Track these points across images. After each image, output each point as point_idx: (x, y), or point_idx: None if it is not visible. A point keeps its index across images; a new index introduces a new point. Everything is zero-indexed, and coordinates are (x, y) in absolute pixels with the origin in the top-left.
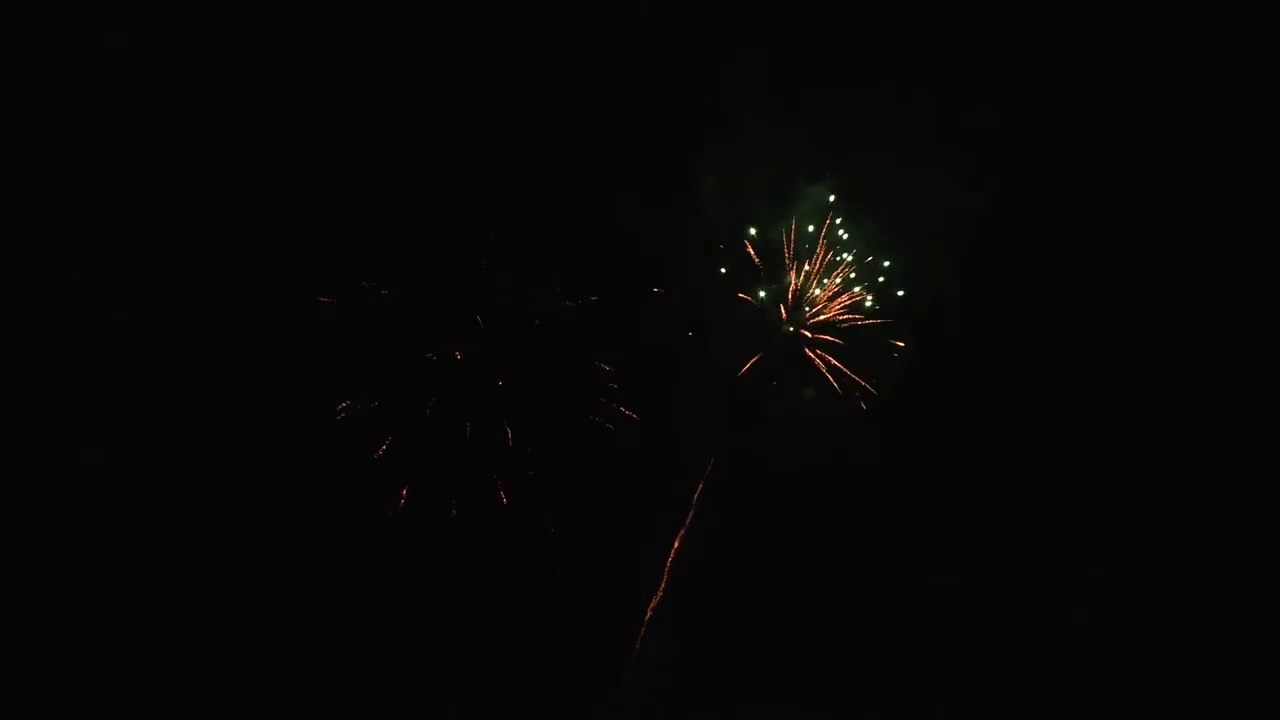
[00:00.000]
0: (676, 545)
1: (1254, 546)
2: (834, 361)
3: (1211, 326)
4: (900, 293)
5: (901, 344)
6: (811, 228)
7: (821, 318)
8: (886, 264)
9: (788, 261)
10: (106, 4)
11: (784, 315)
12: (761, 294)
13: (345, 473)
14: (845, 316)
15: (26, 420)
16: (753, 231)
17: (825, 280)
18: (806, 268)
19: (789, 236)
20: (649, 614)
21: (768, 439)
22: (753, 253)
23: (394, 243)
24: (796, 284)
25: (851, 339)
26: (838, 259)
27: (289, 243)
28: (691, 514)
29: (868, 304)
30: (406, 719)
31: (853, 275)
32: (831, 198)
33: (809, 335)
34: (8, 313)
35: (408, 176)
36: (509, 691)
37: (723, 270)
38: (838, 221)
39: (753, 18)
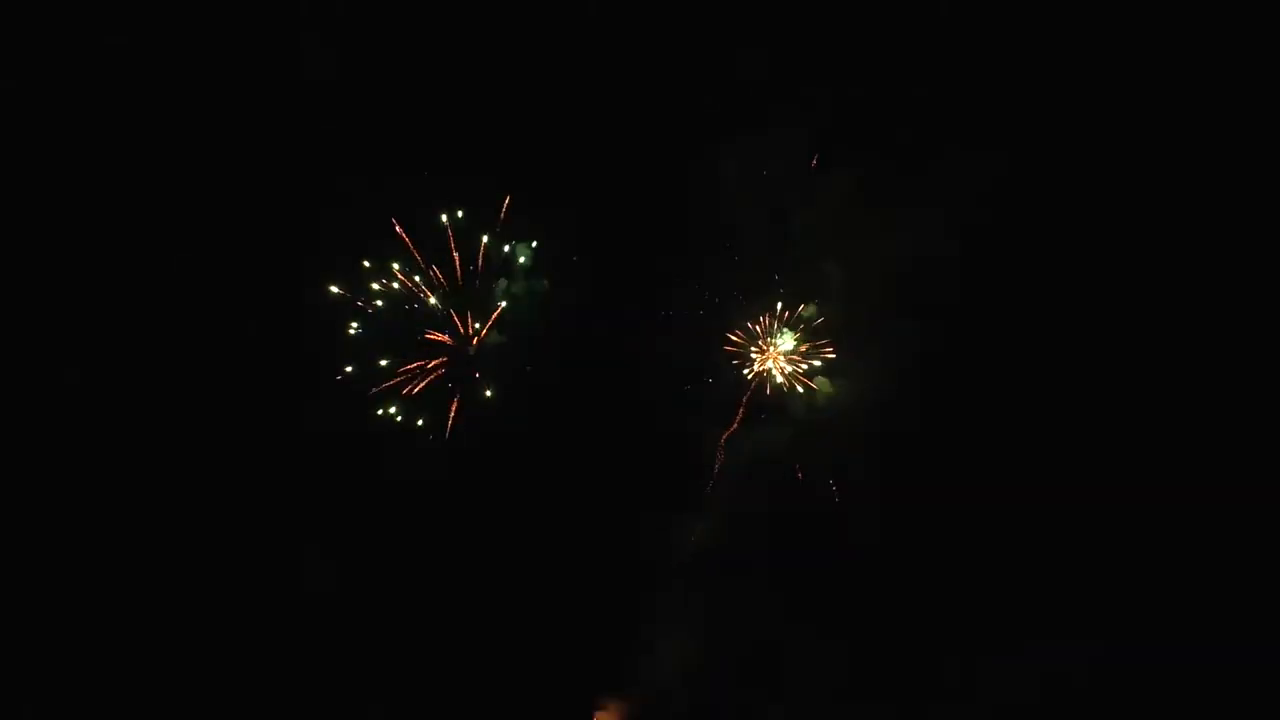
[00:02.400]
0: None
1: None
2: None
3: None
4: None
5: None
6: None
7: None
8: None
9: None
10: (106, 4)
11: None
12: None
13: (346, 472)
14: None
15: (25, 420)
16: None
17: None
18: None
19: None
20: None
21: (766, 441)
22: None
23: (394, 242)
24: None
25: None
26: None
27: (288, 242)
28: (702, 513)
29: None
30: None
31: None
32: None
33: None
34: (7, 312)
35: (407, 176)
36: (515, 693)
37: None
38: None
39: (752, 18)
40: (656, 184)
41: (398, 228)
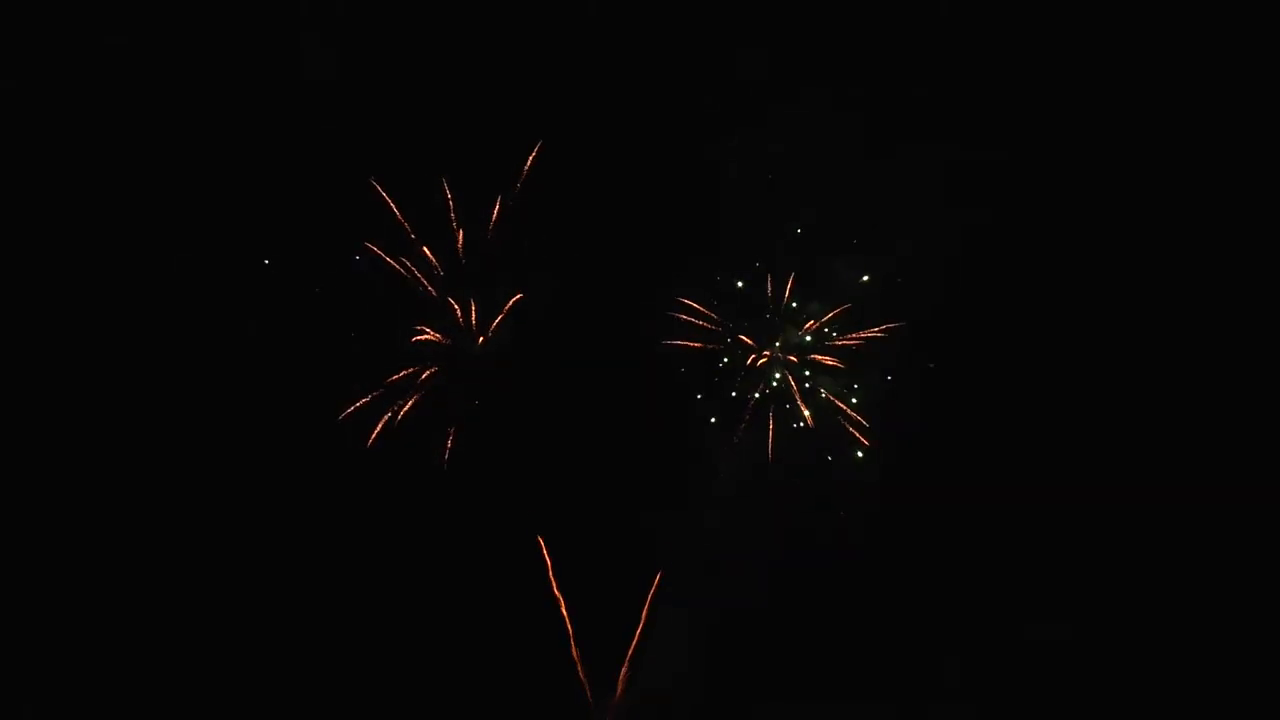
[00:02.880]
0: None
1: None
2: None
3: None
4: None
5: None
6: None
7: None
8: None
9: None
10: (106, 4)
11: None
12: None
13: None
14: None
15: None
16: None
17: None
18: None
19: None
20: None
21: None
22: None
23: (394, 243)
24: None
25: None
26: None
27: (287, 242)
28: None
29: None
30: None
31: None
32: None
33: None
34: (7, 312)
35: (407, 177)
36: (516, 694)
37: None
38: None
39: (752, 18)
40: (659, 183)
41: (380, 190)
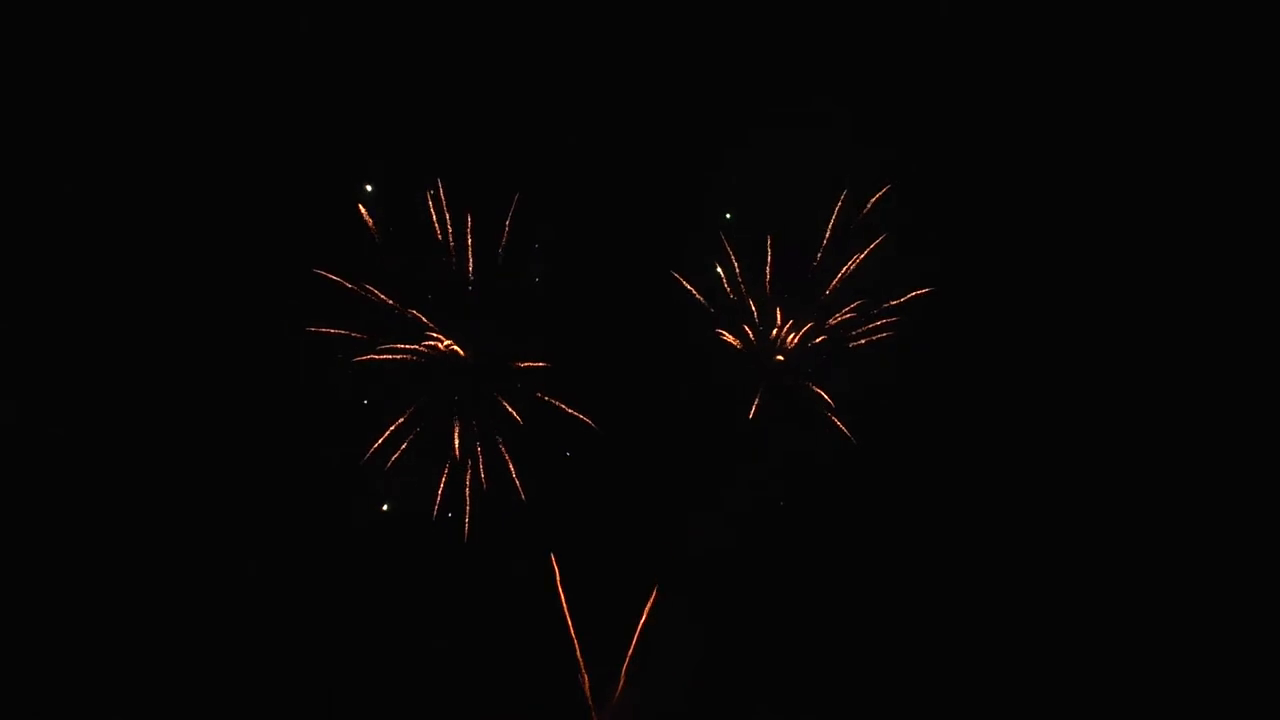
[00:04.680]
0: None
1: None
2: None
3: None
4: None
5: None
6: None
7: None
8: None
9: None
10: (106, 4)
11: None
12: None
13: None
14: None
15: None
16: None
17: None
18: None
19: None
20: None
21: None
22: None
23: (394, 244)
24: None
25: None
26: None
27: (288, 244)
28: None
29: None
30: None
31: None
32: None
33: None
34: (7, 312)
35: (406, 177)
36: (516, 694)
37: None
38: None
39: (750, 20)
40: (659, 182)
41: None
